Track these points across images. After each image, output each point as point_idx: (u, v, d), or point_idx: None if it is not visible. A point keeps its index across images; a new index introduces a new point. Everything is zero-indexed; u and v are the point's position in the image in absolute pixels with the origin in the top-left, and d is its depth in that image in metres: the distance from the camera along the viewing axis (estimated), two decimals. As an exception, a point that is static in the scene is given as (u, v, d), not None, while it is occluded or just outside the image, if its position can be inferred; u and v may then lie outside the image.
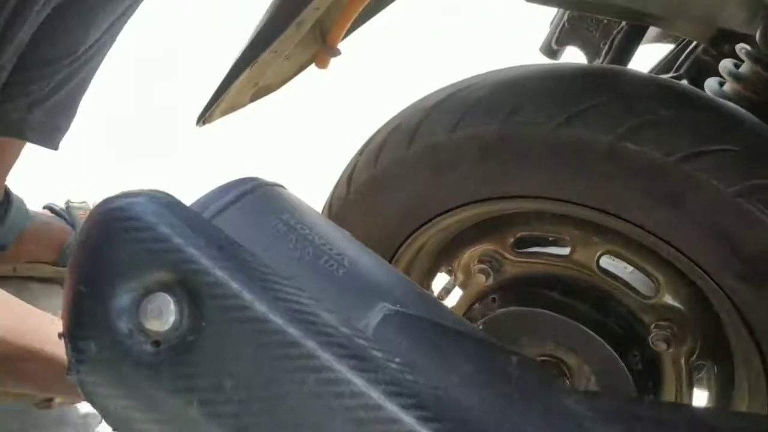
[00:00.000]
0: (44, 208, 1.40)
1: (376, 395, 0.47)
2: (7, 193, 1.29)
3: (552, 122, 0.71)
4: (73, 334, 0.51)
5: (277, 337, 0.48)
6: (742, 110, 0.73)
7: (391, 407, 0.47)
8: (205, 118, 0.90)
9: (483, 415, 0.51)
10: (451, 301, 0.92)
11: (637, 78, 0.76)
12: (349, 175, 0.86)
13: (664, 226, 0.70)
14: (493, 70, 0.79)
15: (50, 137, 1.24)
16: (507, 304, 0.83)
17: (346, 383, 0.47)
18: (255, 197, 0.60)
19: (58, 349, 0.73)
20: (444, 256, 0.89)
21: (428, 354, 0.55)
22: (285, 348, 0.48)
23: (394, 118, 0.84)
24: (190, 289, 0.49)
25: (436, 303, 0.63)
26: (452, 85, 0.81)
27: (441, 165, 0.78)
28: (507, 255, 0.84)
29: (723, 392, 0.82)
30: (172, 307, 0.49)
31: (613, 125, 0.69)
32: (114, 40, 1.22)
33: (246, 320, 0.48)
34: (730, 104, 0.74)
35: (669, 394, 0.81)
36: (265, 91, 0.99)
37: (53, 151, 1.25)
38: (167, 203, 0.53)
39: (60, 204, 1.40)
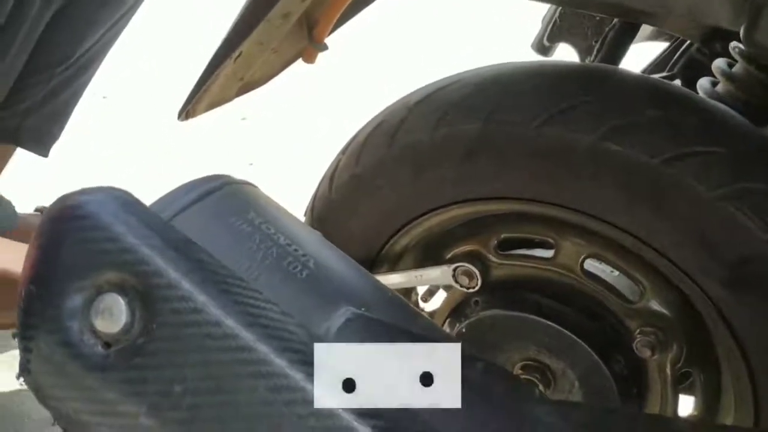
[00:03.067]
0: (35, 210, 1.40)
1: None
2: None
3: (534, 121, 0.69)
4: (24, 334, 0.49)
5: (229, 342, 0.46)
6: (731, 111, 0.70)
7: (345, 415, 0.45)
8: (188, 111, 0.88)
9: (442, 421, 0.50)
10: (435, 303, 0.91)
11: (622, 77, 0.73)
12: (332, 174, 0.85)
13: (647, 229, 0.68)
14: (476, 68, 0.78)
15: (43, 144, 1.25)
16: (490, 307, 0.81)
17: (299, 390, 0.46)
18: (220, 196, 0.58)
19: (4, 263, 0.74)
20: (428, 256, 0.88)
21: (391, 360, 0.53)
22: (237, 353, 0.46)
23: (377, 116, 0.82)
24: (142, 291, 0.48)
25: (405, 308, 0.61)
26: (435, 82, 0.79)
27: (422, 164, 0.76)
28: (491, 257, 0.82)
29: (710, 399, 0.80)
30: (124, 308, 0.48)
31: (595, 125, 0.67)
32: (109, 48, 1.22)
33: (197, 323, 0.47)
34: (719, 105, 0.71)
35: (654, 401, 0.79)
36: (251, 85, 0.97)
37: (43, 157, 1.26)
38: (124, 202, 0.51)
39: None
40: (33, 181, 1.48)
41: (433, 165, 0.76)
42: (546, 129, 0.69)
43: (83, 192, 0.51)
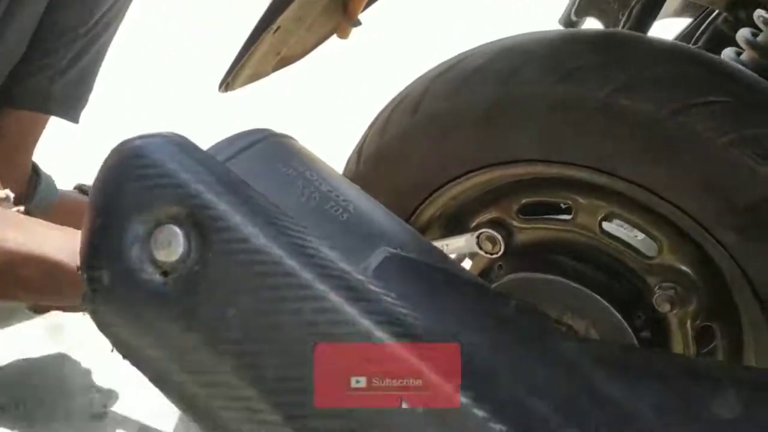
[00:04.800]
0: (74, 188, 1.43)
1: (368, 323, 0.48)
2: (36, 171, 1.32)
3: (548, 81, 0.71)
4: (88, 264, 0.53)
5: (276, 269, 0.50)
6: (737, 65, 0.73)
7: (382, 335, 0.48)
8: (227, 84, 0.92)
9: (476, 351, 0.52)
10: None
11: (631, 38, 0.76)
12: (360, 149, 0.87)
13: (660, 182, 0.69)
14: (494, 40, 0.80)
15: (72, 109, 1.26)
16: (513, 271, 0.83)
17: (340, 312, 0.49)
18: (266, 145, 0.62)
19: (57, 252, 0.76)
20: (454, 224, 0.90)
21: (426, 294, 0.56)
22: (284, 278, 0.49)
23: (401, 92, 0.85)
24: (197, 222, 0.51)
25: (438, 251, 0.64)
26: (456, 56, 0.82)
27: (444, 133, 0.79)
28: (513, 222, 0.84)
29: (732, 353, 0.80)
30: (181, 238, 0.51)
31: (607, 82, 0.69)
32: (126, 9, 1.23)
33: (248, 251, 0.50)
34: (725, 60, 0.73)
35: None
36: (287, 61, 1.01)
37: (74, 124, 1.27)
38: (180, 143, 0.55)
39: (89, 183, 1.44)
40: (67, 162, 1.51)
41: (454, 132, 0.78)
42: (560, 87, 0.71)
43: (143, 136, 0.55)
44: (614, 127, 0.69)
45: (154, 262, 0.51)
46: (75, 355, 1.17)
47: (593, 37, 0.77)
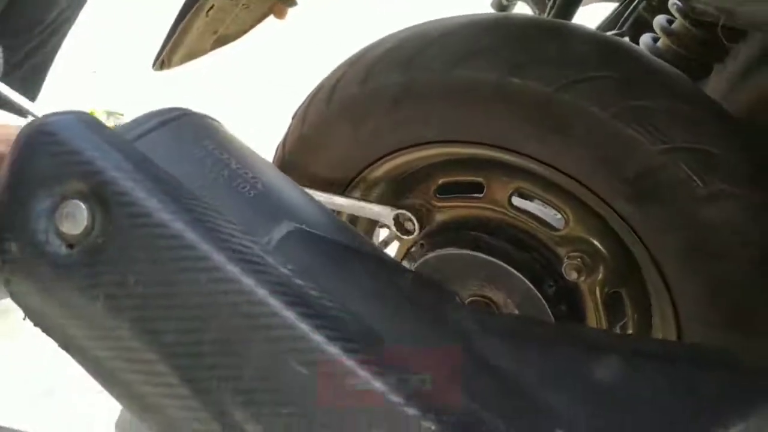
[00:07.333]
0: None
1: (261, 293, 0.50)
2: None
3: (445, 65, 0.73)
4: (-1, 236, 0.54)
5: (174, 241, 0.51)
6: (624, 41, 0.74)
7: (275, 303, 0.50)
8: (162, 61, 0.91)
9: (369, 320, 0.54)
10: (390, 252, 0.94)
11: (521, 21, 0.77)
12: (284, 138, 0.88)
13: (556, 157, 0.71)
14: (405, 27, 0.81)
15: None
16: (433, 248, 0.85)
17: (235, 282, 0.50)
18: (179, 125, 0.62)
19: None
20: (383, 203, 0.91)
21: (325, 267, 0.57)
22: (181, 250, 0.50)
23: (321, 81, 0.86)
24: (100, 198, 0.52)
25: (346, 228, 0.65)
26: (366, 45, 0.83)
27: (357, 118, 0.80)
28: (431, 202, 0.86)
29: (642, 319, 0.82)
30: (85, 213, 0.52)
31: (500, 64, 0.70)
32: (80, 10, 1.22)
33: (148, 225, 0.51)
34: (614, 37, 0.75)
35: (590, 323, 0.82)
36: (224, 40, 1.00)
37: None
38: (89, 122, 0.56)
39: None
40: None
41: (366, 117, 0.79)
42: (458, 71, 0.72)
43: (52, 114, 0.56)
44: (509, 106, 0.70)
45: (60, 235, 0.52)
46: (21, 336, 1.17)
47: (487, 21, 0.78)
